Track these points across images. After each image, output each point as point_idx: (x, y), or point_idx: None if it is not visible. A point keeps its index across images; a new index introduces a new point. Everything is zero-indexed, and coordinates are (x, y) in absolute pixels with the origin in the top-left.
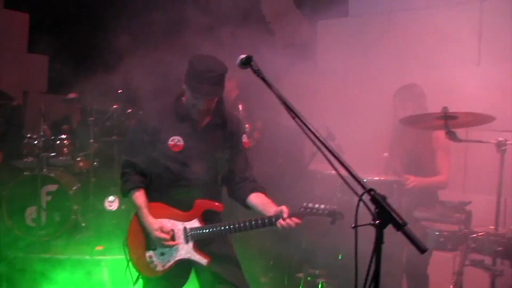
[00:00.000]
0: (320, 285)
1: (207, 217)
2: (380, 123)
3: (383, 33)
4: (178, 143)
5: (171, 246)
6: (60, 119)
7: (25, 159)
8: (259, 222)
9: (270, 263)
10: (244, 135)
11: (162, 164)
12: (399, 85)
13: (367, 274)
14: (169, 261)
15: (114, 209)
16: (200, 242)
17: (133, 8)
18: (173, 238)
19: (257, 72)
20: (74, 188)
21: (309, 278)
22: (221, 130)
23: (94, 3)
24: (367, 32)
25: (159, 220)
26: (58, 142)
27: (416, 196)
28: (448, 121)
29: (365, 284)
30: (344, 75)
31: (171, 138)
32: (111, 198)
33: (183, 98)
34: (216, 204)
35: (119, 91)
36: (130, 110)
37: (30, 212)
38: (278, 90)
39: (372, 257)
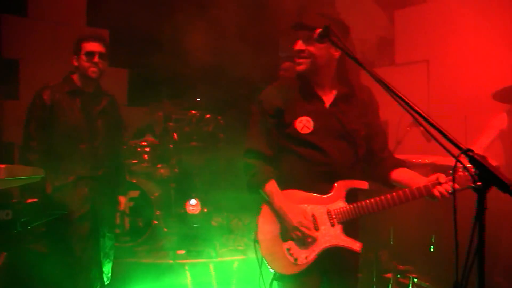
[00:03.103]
0: (410, 283)
1: (351, 198)
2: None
3: (464, 17)
4: (306, 124)
5: (312, 236)
6: (143, 128)
7: None
8: (416, 191)
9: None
10: (379, 108)
11: (291, 150)
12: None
13: (470, 246)
14: (313, 250)
15: (196, 213)
16: (347, 225)
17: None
18: (314, 224)
19: (338, 44)
20: (155, 194)
21: (398, 276)
22: (352, 102)
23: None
24: (446, 17)
25: (297, 205)
26: (138, 149)
27: None
28: None
29: (467, 257)
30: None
31: (299, 120)
32: (192, 201)
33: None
34: (360, 181)
35: (197, 100)
36: (208, 116)
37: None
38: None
39: (474, 226)
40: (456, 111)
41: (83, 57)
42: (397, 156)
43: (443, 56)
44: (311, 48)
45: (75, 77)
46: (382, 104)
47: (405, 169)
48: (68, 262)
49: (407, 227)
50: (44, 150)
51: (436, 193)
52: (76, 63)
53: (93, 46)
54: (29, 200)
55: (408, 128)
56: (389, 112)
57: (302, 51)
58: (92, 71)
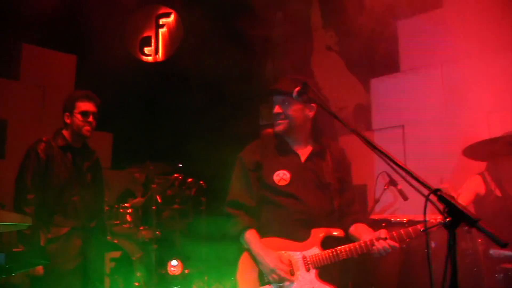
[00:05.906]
0: None
1: (328, 245)
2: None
3: (436, 86)
4: (284, 176)
5: (288, 280)
6: (124, 193)
7: None
8: (363, 245)
9: None
10: (351, 166)
11: (270, 200)
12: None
13: (443, 279)
14: None
15: (177, 274)
16: (322, 271)
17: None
18: (291, 269)
19: (316, 99)
20: (137, 255)
21: None
22: (326, 158)
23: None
24: (420, 86)
25: (274, 251)
26: (121, 210)
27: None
28: None
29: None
30: (400, 129)
31: (276, 173)
32: (174, 262)
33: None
34: (335, 229)
35: (179, 165)
36: (190, 180)
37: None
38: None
39: (447, 261)
40: (432, 174)
41: (79, 116)
42: (376, 215)
43: (417, 121)
44: (288, 110)
45: (66, 133)
46: (361, 170)
47: (361, 224)
48: None
49: (388, 285)
50: (38, 202)
51: (376, 249)
52: (69, 121)
53: (88, 106)
54: (15, 250)
55: (386, 187)
56: (368, 176)
57: (280, 113)
58: (87, 130)
